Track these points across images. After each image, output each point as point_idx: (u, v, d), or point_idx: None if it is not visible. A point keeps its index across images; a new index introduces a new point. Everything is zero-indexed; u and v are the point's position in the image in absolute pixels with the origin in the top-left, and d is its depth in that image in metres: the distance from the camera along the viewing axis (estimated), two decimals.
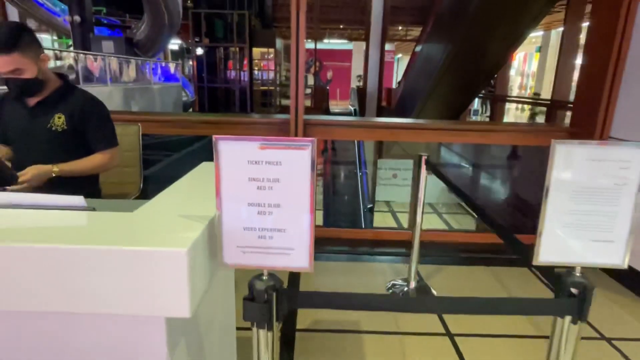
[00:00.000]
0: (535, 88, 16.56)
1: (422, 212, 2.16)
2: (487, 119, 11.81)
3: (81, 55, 7.05)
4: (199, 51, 11.96)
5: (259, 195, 0.70)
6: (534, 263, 0.77)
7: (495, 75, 9.83)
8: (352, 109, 16.75)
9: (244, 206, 0.70)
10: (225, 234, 0.72)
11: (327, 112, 15.06)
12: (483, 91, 11.76)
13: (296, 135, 2.61)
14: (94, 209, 0.81)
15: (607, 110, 2.49)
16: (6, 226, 0.75)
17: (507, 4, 6.73)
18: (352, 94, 18.87)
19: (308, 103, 16.58)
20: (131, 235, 0.72)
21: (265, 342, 0.76)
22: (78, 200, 0.80)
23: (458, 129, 2.73)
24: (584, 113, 2.63)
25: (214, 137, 0.67)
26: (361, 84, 15.78)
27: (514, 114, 15.10)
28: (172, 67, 9.97)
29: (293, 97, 2.57)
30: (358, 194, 9.52)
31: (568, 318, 0.79)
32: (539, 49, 18.40)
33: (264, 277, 0.74)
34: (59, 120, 1.58)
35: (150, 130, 2.54)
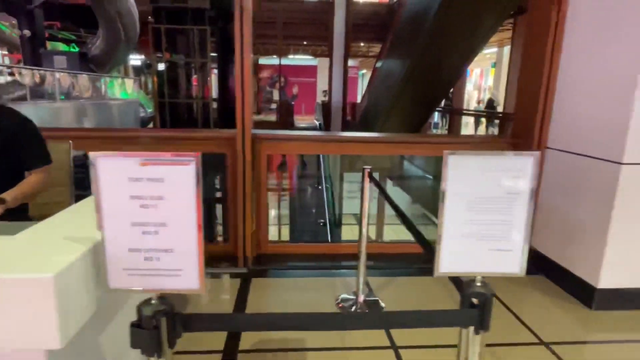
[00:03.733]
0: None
1: (368, 224, 2.16)
2: (447, 132, 12.19)
3: (30, 70, 6.76)
4: (160, 66, 11.74)
5: (143, 214, 0.66)
6: (435, 274, 0.77)
7: (452, 90, 10.22)
8: (317, 123, 16.89)
9: (127, 226, 0.67)
10: (109, 256, 0.68)
11: (292, 126, 15.10)
12: (442, 105, 12.18)
13: (243, 149, 2.57)
14: None
15: (543, 122, 2.60)
16: None
17: (459, 22, 7.04)
18: (317, 109, 19.05)
19: (274, 118, 16.57)
20: (3, 261, 0.66)
21: None
22: None
23: (403, 141, 2.78)
24: (523, 124, 2.75)
25: (91, 153, 0.64)
26: (326, 98, 15.97)
27: (472, 126, 15.66)
28: (129, 82, 9.74)
29: (239, 111, 2.54)
30: (323, 207, 9.54)
31: (471, 328, 0.79)
32: (494, 65, 19.29)
33: (153, 301, 0.70)
34: None
35: (86, 147, 2.44)
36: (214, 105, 12.58)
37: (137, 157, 0.64)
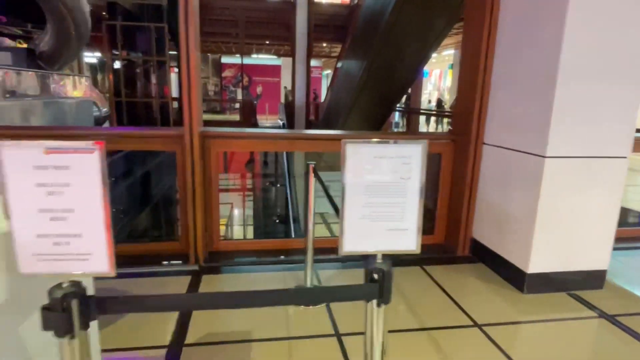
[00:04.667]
0: (450, 101, 17.95)
1: (313, 219, 2.23)
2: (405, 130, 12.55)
3: None
4: (117, 64, 11.38)
5: (50, 201, 0.69)
6: (340, 254, 0.85)
7: (409, 90, 10.53)
8: (280, 122, 16.90)
9: (34, 212, 0.69)
10: (18, 242, 0.70)
11: (255, 126, 15.06)
12: (402, 105, 12.51)
13: (192, 148, 2.58)
14: None
15: (480, 120, 2.77)
16: None
17: (411, 25, 7.28)
18: (280, 109, 19.04)
19: (237, 117, 16.41)
20: None
21: (70, 352, 0.74)
22: None
23: (349, 138, 2.87)
24: (461, 121, 2.91)
25: None
26: (290, 97, 16.00)
27: (432, 125, 16.20)
28: (80, 80, 9.37)
29: (186, 108, 2.54)
30: (286, 206, 9.57)
31: (374, 302, 0.87)
32: (451, 66, 19.99)
33: (64, 285, 0.73)
34: None
35: None
36: (175, 104, 12.34)
37: (41, 146, 0.67)
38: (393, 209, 0.84)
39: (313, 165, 2.15)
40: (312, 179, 2.13)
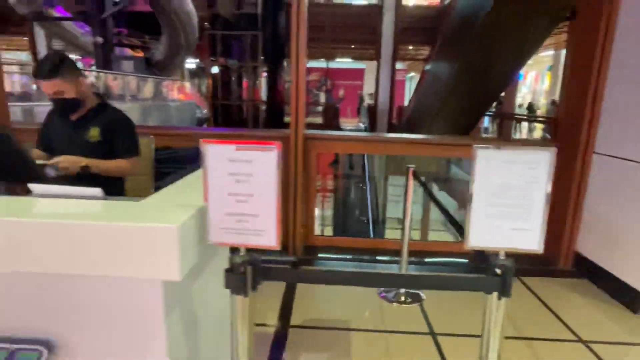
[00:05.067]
0: (545, 105, 16.62)
1: (410, 222, 2.31)
2: (497, 136, 11.89)
3: (101, 74, 7.46)
4: (214, 70, 12.40)
5: (237, 187, 0.88)
6: (466, 248, 0.93)
7: (503, 94, 9.98)
8: (362, 126, 17.00)
9: (225, 195, 0.89)
10: (211, 217, 0.91)
11: (338, 129, 15.31)
12: (493, 109, 11.87)
13: (296, 148, 2.81)
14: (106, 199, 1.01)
15: (590, 127, 2.62)
16: (41, 209, 0.95)
17: (509, 25, 6.91)
18: (362, 112, 19.14)
19: (319, 120, 16.86)
20: (138, 215, 0.91)
21: (241, 307, 0.93)
22: (97, 191, 1.00)
23: (446, 143, 2.90)
24: (569, 129, 2.77)
25: (202, 140, 0.87)
26: (372, 102, 16.05)
27: (526, 131, 15.12)
28: (186, 85, 10.39)
29: (293, 113, 2.78)
30: (366, 209, 9.66)
31: (495, 294, 0.94)
32: (550, 68, 18.48)
33: (241, 254, 0.92)
34: (94, 132, 1.87)
35: (163, 143, 2.78)
36: (263, 106, 13.10)
37: (233, 144, 0.86)
38: (518, 210, 0.91)
39: (413, 169, 2.23)
40: (412, 182, 2.22)
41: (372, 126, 15.06)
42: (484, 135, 14.19)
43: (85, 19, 9.12)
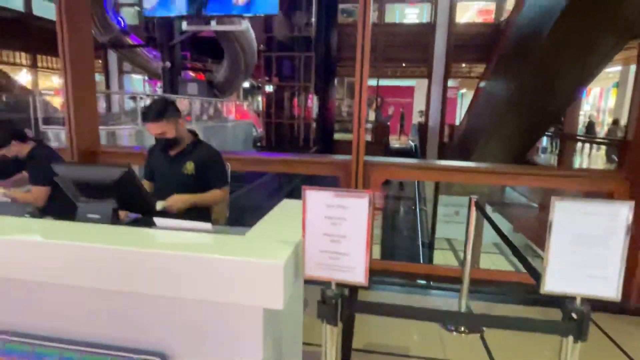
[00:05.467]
0: (608, 125, 15.58)
1: (472, 251, 2.33)
2: (557, 158, 11.33)
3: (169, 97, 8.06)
4: (268, 89, 12.95)
5: (332, 228, 1.01)
6: (541, 292, 0.99)
7: (564, 113, 9.54)
8: (412, 144, 16.84)
9: (320, 235, 1.02)
10: (307, 254, 1.04)
11: (387, 146, 15.30)
12: (552, 129, 11.35)
13: (356, 174, 2.92)
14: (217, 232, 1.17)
15: None
16: (164, 240, 1.14)
17: (574, 43, 6.67)
18: (412, 130, 18.96)
19: (368, 137, 16.91)
20: (247, 250, 1.06)
21: (331, 335, 1.04)
22: (208, 226, 1.17)
23: (509, 172, 2.88)
24: (638, 156, 2.67)
25: (303, 187, 1.00)
26: (423, 119, 15.91)
27: (587, 152, 14.25)
28: (244, 105, 10.91)
29: (355, 140, 2.90)
30: (416, 229, 9.54)
31: (570, 338, 0.99)
32: (617, 85, 17.39)
33: (333, 288, 1.04)
34: (189, 167, 2.14)
35: (235, 167, 3.02)
36: (314, 124, 13.44)
37: (331, 191, 0.99)
38: (596, 258, 0.96)
39: (475, 199, 2.27)
40: (474, 213, 2.25)
41: (422, 145, 14.92)
42: (542, 156, 13.56)
43: (155, 46, 9.93)
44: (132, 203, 1.48)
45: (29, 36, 12.92)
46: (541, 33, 6.94)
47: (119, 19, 10.88)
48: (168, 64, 9.39)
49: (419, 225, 9.69)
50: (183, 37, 8.74)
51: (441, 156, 14.56)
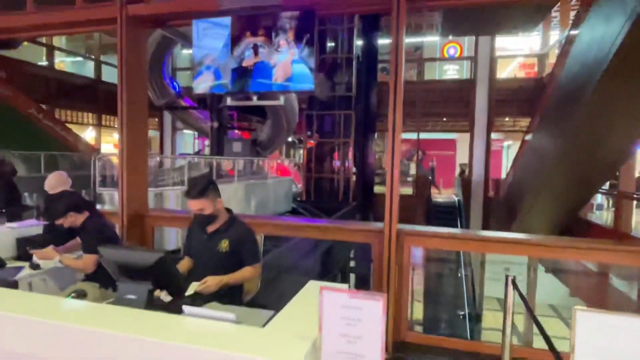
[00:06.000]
0: None
1: (511, 331, 2.20)
2: (613, 216, 10.55)
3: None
4: (309, 145, 13.33)
5: (347, 329, 1.02)
6: None
7: (618, 169, 9.01)
8: (456, 199, 16.41)
9: (337, 335, 1.03)
10: (324, 352, 1.05)
11: (429, 200, 15.05)
12: (608, 185, 10.67)
13: (390, 243, 2.89)
14: (239, 322, 1.22)
15: None
16: (187, 331, 1.19)
17: (622, 98, 6.44)
18: (456, 183, 18.58)
19: (410, 191, 16.72)
20: (268, 346, 1.09)
21: None
22: (232, 316, 1.23)
23: (552, 245, 2.75)
24: None
25: (320, 287, 1.04)
26: (466, 173, 15.63)
27: None
28: (285, 161, 11.30)
29: (387, 208, 2.90)
30: (461, 297, 8.97)
31: None
32: None
33: None
34: (224, 244, 2.25)
35: (270, 231, 3.11)
36: (353, 178, 13.55)
37: (346, 292, 1.02)
38: None
39: (512, 278, 2.17)
40: (511, 292, 2.14)
41: (465, 199, 14.52)
42: (597, 213, 12.68)
43: (205, 107, 10.72)
44: (167, 285, 1.57)
45: (96, 98, 14.38)
46: (586, 88, 6.78)
47: (175, 84, 11.93)
48: (216, 124, 10.04)
49: (464, 292, 9.12)
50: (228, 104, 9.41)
51: (486, 211, 14.06)
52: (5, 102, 9.91)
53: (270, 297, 2.64)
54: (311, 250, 6.59)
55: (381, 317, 0.99)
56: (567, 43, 9.48)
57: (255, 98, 3.47)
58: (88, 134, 16.63)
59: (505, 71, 22.34)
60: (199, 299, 1.78)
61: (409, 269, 3.01)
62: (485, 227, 14.02)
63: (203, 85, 3.46)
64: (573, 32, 8.75)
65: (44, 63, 14.28)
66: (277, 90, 3.31)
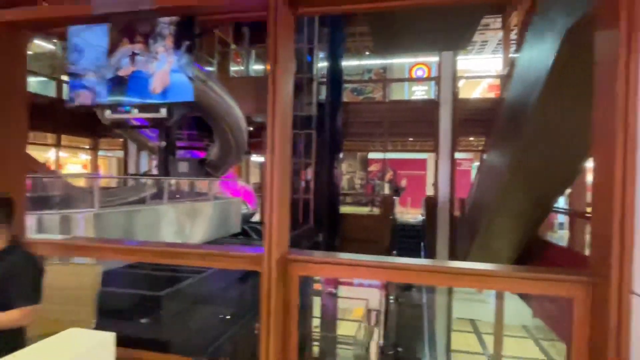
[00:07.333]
0: None
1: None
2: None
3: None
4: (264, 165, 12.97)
5: None
6: None
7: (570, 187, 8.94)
8: (422, 217, 16.27)
9: None
10: None
11: (393, 220, 15.02)
12: (564, 206, 10.59)
13: (270, 275, 2.50)
14: None
15: (622, 256, 2.02)
16: None
17: (563, 117, 6.38)
18: (424, 203, 18.50)
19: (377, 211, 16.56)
20: None
21: None
22: None
23: (458, 272, 2.38)
24: (600, 257, 2.18)
25: None
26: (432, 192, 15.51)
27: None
28: (237, 182, 10.91)
29: (267, 233, 2.52)
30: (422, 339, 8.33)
31: None
32: None
33: None
34: None
35: (145, 259, 2.69)
36: (314, 199, 13.19)
37: None
38: None
39: None
40: None
41: (430, 219, 14.35)
42: (561, 232, 12.62)
43: (154, 126, 10.27)
44: None
45: (56, 119, 13.74)
46: (527, 108, 6.74)
47: None
48: (163, 143, 9.61)
49: (425, 333, 8.49)
50: (176, 118, 9.02)
51: (452, 231, 14.04)
52: None
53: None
54: (232, 282, 6.09)
55: None
56: (511, 64, 9.56)
57: (135, 111, 3.14)
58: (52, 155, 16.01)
59: (475, 92, 22.74)
60: None
61: (296, 300, 2.62)
62: (451, 247, 13.96)
63: (82, 98, 3.11)
64: (515, 55, 8.82)
65: None
66: (155, 101, 2.98)
